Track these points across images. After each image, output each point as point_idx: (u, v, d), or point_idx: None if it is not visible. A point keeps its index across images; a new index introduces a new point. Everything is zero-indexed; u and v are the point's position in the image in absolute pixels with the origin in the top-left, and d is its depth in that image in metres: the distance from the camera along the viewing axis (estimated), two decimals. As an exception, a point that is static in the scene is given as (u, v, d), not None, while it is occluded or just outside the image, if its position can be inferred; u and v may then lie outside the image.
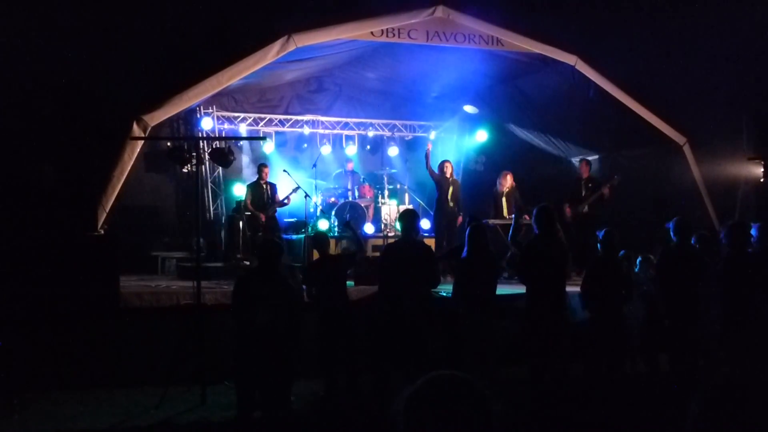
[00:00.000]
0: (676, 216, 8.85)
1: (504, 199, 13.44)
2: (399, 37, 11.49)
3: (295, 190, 13.41)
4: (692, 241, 8.78)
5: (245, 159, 15.93)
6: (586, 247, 11.10)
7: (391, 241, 12.34)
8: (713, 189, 13.07)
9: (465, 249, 8.59)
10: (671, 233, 8.61)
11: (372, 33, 11.40)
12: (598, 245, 8.64)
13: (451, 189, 13.37)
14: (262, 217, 13.06)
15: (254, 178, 13.90)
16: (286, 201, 13.39)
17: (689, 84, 12.39)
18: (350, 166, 15.95)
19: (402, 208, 14.16)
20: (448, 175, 13.45)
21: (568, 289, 8.41)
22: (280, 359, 7.30)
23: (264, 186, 13.42)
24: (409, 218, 8.57)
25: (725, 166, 13.07)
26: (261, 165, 13.76)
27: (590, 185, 13.15)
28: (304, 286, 8.75)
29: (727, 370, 8.09)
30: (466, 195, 14.61)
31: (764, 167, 12.53)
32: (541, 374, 8.09)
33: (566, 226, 12.42)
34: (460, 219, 13.17)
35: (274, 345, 7.24)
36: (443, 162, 13.68)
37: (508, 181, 13.46)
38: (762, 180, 12.62)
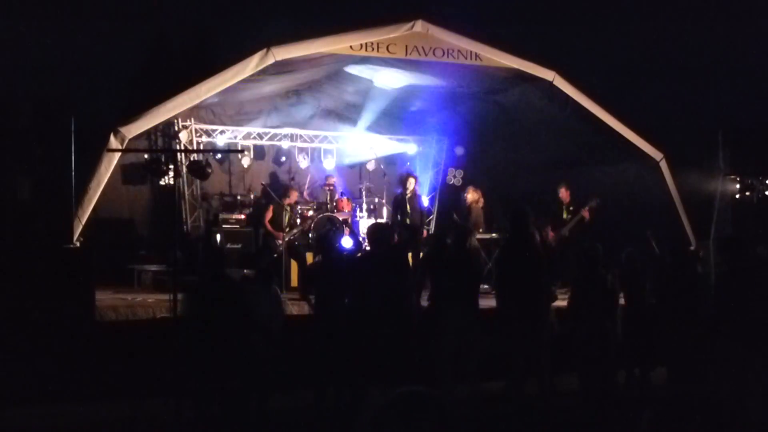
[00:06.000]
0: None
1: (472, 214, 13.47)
2: (378, 51, 11.52)
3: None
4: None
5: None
6: (568, 268, 11.09)
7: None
8: (690, 204, 13.17)
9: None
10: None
11: (351, 47, 11.43)
12: (583, 260, 8.64)
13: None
14: (280, 237, 12.63)
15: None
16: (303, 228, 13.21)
17: (666, 100, 12.53)
18: (331, 180, 15.77)
19: (381, 222, 14.11)
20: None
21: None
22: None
23: (288, 208, 13.04)
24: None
25: (701, 181, 13.19)
26: (289, 187, 13.56)
27: (571, 208, 13.11)
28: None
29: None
30: (443, 209, 14.53)
31: (740, 183, 12.66)
32: (520, 389, 8.09)
33: (551, 249, 12.42)
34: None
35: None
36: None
37: (469, 197, 13.53)
38: (737, 195, 12.75)
